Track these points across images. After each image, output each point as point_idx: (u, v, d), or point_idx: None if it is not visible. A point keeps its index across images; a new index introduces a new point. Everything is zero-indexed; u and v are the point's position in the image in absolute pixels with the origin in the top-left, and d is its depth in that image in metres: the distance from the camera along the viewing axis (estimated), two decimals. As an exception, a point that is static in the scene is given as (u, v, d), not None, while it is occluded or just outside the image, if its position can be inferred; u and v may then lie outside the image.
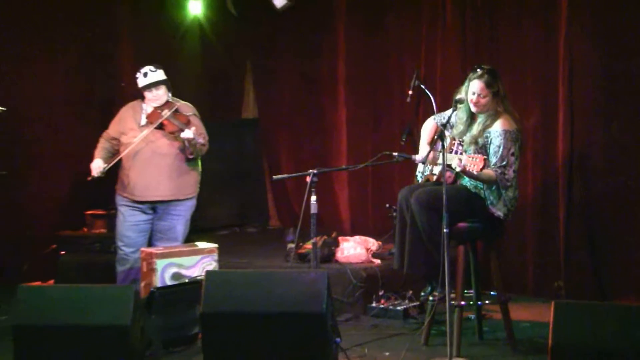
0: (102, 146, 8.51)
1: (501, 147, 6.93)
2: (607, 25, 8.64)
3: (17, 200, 10.19)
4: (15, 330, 6.03)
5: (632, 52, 8.52)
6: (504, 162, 6.90)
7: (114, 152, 8.45)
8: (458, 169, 6.81)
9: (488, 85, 7.07)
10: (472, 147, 6.99)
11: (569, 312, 5.31)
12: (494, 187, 7.03)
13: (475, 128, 7.12)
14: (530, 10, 9.13)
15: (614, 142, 8.63)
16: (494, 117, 7.07)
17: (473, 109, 7.14)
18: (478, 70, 7.16)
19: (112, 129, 8.56)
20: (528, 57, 9.17)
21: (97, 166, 8.31)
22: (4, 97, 9.81)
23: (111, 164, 8.35)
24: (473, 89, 7.11)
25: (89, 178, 8.34)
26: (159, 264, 7.90)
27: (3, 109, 7.77)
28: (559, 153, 8.86)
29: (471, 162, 6.63)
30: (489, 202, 7.06)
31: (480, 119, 7.13)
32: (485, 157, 6.74)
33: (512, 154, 6.95)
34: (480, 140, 7.03)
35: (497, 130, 6.99)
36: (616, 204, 8.67)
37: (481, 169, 6.62)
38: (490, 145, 6.99)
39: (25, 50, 10.20)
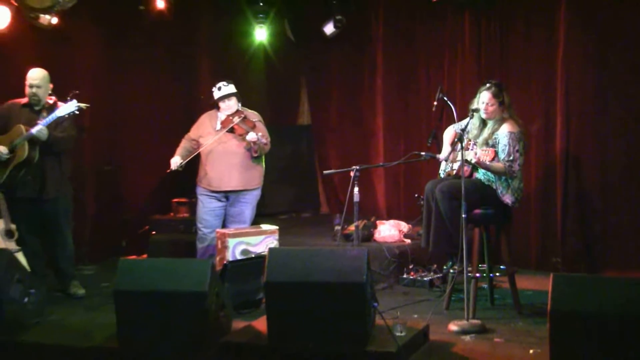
0: (182, 146, 8.58)
1: (507, 146, 6.96)
2: (596, 49, 8.62)
3: (119, 191, 10.31)
4: (116, 294, 6.08)
5: (617, 70, 8.51)
6: (511, 157, 6.93)
7: (192, 151, 8.50)
8: (473, 161, 6.88)
9: (495, 95, 7.13)
10: (484, 147, 6.99)
11: (565, 282, 5.27)
12: (502, 179, 7.04)
13: (486, 132, 7.16)
14: (534, 36, 9.09)
15: (603, 144, 8.62)
16: (500, 122, 7.11)
17: (483, 116, 7.18)
18: (487, 84, 7.24)
19: (193, 132, 8.62)
20: (532, 74, 9.13)
21: (175, 161, 8.40)
22: (113, 106, 9.97)
23: (187, 160, 8.41)
24: (483, 99, 7.16)
25: (168, 170, 8.44)
26: (231, 242, 7.93)
27: (87, 105, 7.87)
28: (557, 152, 8.83)
29: (484, 154, 6.74)
30: (499, 192, 7.06)
31: (489, 124, 7.17)
32: (495, 150, 6.82)
33: (517, 151, 6.98)
34: (490, 142, 7.07)
35: (504, 132, 7.03)
36: (604, 194, 8.65)
37: (492, 159, 6.73)
38: (498, 144, 7.02)
39: (130, 72, 10.31)
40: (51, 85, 7.96)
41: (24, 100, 7.94)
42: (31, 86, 7.83)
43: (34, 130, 7.61)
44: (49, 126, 7.68)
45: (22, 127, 7.70)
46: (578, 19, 8.69)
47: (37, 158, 7.75)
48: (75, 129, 8.00)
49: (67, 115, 7.73)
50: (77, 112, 7.78)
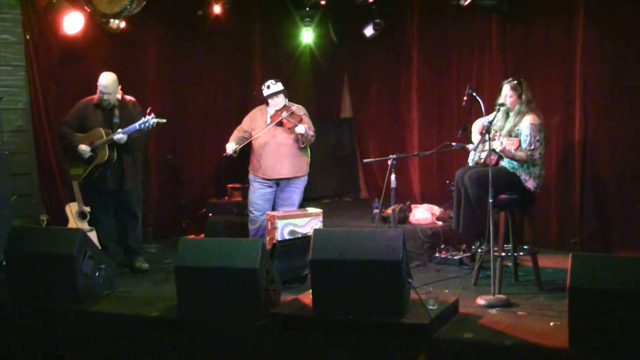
0: (236, 135, 8.58)
1: (529, 136, 6.95)
2: (610, 49, 8.55)
3: (179, 177, 10.34)
4: (177, 270, 6.15)
5: (630, 68, 8.44)
6: (532, 147, 6.93)
7: (244, 140, 8.51)
8: (499, 149, 6.90)
9: (513, 88, 7.17)
10: (507, 138, 6.97)
11: (583, 261, 5.24)
12: (525, 166, 7.03)
13: (509, 124, 7.14)
14: (555, 38, 9.01)
15: (617, 135, 8.58)
16: (522, 116, 7.11)
17: (503, 108, 7.13)
18: (508, 78, 7.30)
19: (245, 124, 8.64)
20: (553, 72, 9.05)
21: (231, 146, 8.40)
22: (175, 102, 10.05)
23: (240, 146, 8.41)
24: (504, 92, 7.22)
25: (224, 154, 8.45)
26: (280, 223, 7.94)
27: (164, 120, 7.94)
28: (575, 143, 8.76)
29: (510, 143, 6.81)
30: (522, 177, 7.05)
31: (511, 117, 7.15)
32: (519, 140, 6.83)
33: (538, 141, 6.98)
34: (513, 133, 7.05)
35: (525, 124, 7.03)
36: (618, 181, 8.59)
37: (517, 148, 6.79)
38: (521, 135, 7.00)
39: (189, 71, 10.41)
40: (119, 86, 8.01)
41: (96, 98, 7.99)
42: (102, 92, 7.87)
43: (115, 137, 7.73)
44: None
45: (102, 130, 7.80)
46: (594, 23, 8.61)
47: (116, 157, 7.86)
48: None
49: (145, 128, 7.81)
50: (154, 126, 7.84)
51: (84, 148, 7.81)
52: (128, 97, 8.10)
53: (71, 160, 7.98)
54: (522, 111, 7.13)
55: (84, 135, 7.89)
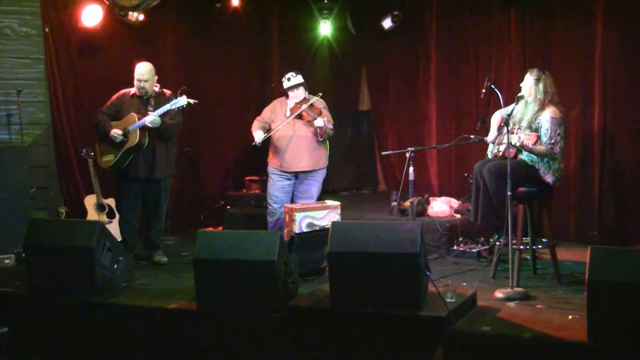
0: (258, 125, 8.57)
1: (549, 130, 6.89)
2: (629, 43, 8.52)
3: (197, 169, 10.38)
4: (195, 262, 6.16)
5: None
6: (552, 141, 6.87)
7: (266, 131, 8.52)
8: (517, 144, 6.85)
9: (531, 74, 7.13)
10: (527, 131, 6.94)
11: (601, 254, 5.21)
12: (545, 160, 6.97)
13: (529, 115, 7.07)
14: (574, 32, 8.97)
15: (636, 127, 8.53)
16: (542, 108, 7.03)
17: (523, 99, 7.09)
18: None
19: (265, 115, 8.64)
20: (572, 65, 9.00)
21: (259, 135, 8.41)
22: (193, 94, 10.04)
23: (266, 136, 8.41)
24: (525, 80, 7.18)
25: (253, 143, 8.43)
26: (298, 216, 7.95)
27: (195, 101, 7.94)
28: (594, 135, 8.73)
29: (527, 137, 6.72)
30: (541, 172, 7.00)
31: (531, 108, 7.08)
32: (538, 134, 6.80)
33: (558, 135, 6.91)
34: (533, 126, 7.00)
35: (546, 117, 6.96)
36: (637, 174, 8.53)
37: (535, 143, 6.71)
38: (541, 129, 6.94)
39: (207, 63, 10.45)
40: (156, 77, 8.04)
41: (133, 90, 8.02)
42: (139, 81, 7.92)
43: (147, 120, 7.74)
44: (160, 115, 7.80)
45: (135, 115, 7.82)
46: (614, 14, 8.57)
47: (147, 143, 7.86)
48: (181, 115, 8.06)
49: (177, 109, 7.82)
50: (185, 106, 7.85)
51: (116, 131, 7.83)
52: (166, 90, 8.13)
53: (104, 146, 7.98)
54: (539, 99, 7.06)
55: (118, 122, 7.92)
